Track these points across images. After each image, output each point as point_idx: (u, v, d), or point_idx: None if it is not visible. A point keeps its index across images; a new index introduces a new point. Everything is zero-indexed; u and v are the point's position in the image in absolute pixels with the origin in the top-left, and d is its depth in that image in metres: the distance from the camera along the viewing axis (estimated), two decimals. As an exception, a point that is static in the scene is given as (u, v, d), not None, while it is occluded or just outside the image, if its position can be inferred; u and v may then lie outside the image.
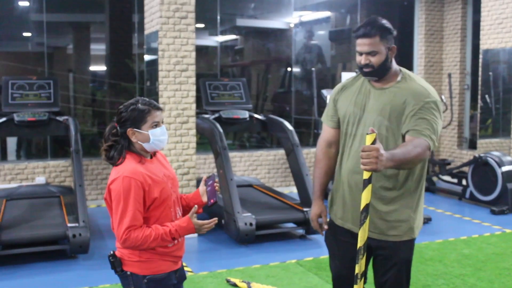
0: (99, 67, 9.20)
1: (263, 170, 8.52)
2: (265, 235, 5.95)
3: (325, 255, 5.43)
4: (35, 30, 8.13)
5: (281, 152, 8.52)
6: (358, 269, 2.50)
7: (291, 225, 6.24)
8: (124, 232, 2.39)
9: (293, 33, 9.42)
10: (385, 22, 2.70)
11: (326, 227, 2.98)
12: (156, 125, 2.51)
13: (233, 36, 9.87)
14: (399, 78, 2.74)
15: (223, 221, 6.01)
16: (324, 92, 7.79)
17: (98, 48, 9.08)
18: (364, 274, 2.66)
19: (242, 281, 4.63)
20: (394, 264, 2.79)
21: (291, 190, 8.33)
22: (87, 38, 9.01)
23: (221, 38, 9.34)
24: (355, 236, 2.77)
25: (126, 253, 2.51)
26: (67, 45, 8.95)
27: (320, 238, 6.01)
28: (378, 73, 2.71)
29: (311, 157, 8.54)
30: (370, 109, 2.74)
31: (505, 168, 7.18)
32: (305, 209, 5.94)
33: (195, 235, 6.05)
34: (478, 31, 8.82)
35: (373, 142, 2.33)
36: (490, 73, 8.47)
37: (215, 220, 2.57)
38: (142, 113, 2.49)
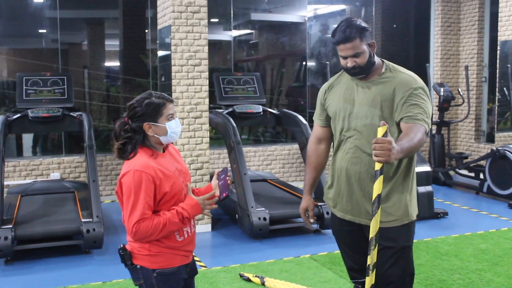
0: (114, 63, 9.22)
1: (277, 165, 8.49)
2: (279, 230, 5.92)
3: (338, 250, 5.38)
4: (49, 26, 8.17)
5: (295, 146, 8.49)
6: (370, 260, 2.50)
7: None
8: (134, 225, 2.39)
9: (308, 26, 9.35)
10: (359, 22, 2.77)
11: (312, 220, 3.15)
12: (171, 117, 2.53)
13: (247, 31, 9.82)
14: (383, 70, 2.84)
15: (237, 215, 5.99)
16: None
17: (112, 44, 9.10)
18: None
19: (256, 276, 4.60)
20: (394, 253, 2.79)
21: (306, 185, 8.28)
22: (101, 34, 9.03)
23: (235, 33, 9.30)
24: (357, 225, 2.90)
25: (136, 246, 2.50)
26: (82, 41, 8.98)
27: (334, 232, 5.95)
28: (366, 71, 2.80)
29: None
30: (360, 102, 2.81)
31: (523, 162, 7.07)
32: (319, 204, 5.89)
33: (209, 229, 6.05)
34: (496, 22, 8.69)
35: (384, 135, 2.36)
36: (508, 65, 8.33)
37: (213, 192, 2.59)
38: (158, 106, 2.50)
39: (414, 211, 2.87)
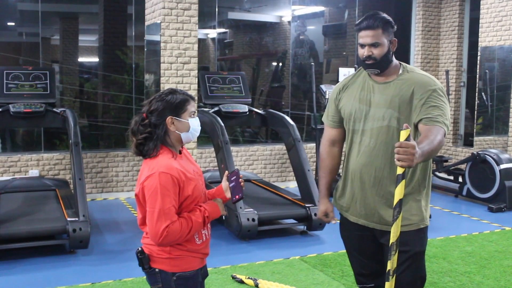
0: (89, 59, 9.00)
1: (259, 165, 8.44)
2: (266, 231, 5.88)
3: (328, 252, 5.38)
4: (26, 20, 7.92)
5: (277, 147, 8.46)
6: (391, 265, 2.46)
7: (291, 220, 6.17)
8: (164, 229, 2.30)
9: (291, 27, 9.32)
10: (386, 15, 2.77)
11: (334, 221, 3.12)
12: (193, 114, 2.48)
13: (227, 30, 9.75)
14: (400, 71, 2.80)
15: (223, 216, 5.93)
16: (323, 87, 7.73)
17: (89, 39, 8.88)
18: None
19: (249, 278, 4.55)
20: (408, 258, 2.76)
21: (287, 185, 8.27)
22: (75, 29, 8.76)
23: (217, 31, 9.22)
24: (370, 230, 2.87)
25: (155, 249, 2.42)
26: (51, 36, 8.68)
27: (321, 234, 5.95)
28: (380, 66, 2.75)
29: (307, 152, 8.48)
30: (376, 103, 2.76)
31: (503, 166, 7.18)
32: (307, 205, 5.88)
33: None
34: (475, 28, 8.82)
35: (407, 138, 2.31)
36: (487, 71, 8.48)
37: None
38: (182, 101, 2.44)
39: (428, 216, 2.85)
